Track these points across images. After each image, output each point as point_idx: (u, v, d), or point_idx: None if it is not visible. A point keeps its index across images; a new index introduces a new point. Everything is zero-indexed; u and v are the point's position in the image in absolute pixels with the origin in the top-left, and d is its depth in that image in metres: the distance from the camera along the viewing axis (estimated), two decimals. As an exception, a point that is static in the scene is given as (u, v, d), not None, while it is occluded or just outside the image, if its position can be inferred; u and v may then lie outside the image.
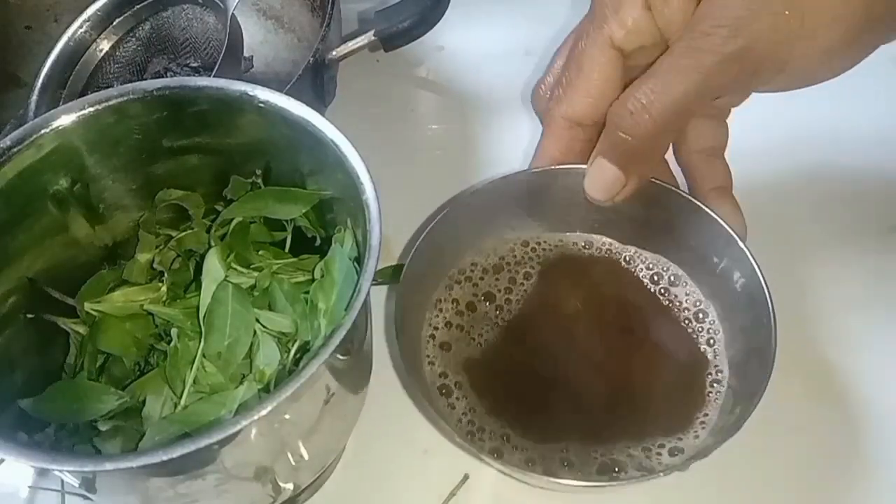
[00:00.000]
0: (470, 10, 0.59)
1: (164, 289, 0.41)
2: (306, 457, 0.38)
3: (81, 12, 0.52)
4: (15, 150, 0.36)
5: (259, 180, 0.41)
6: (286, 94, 0.42)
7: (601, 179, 0.42)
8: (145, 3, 0.53)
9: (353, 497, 0.44)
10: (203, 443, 0.29)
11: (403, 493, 0.44)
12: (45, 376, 0.40)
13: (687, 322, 0.45)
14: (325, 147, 0.36)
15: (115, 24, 0.52)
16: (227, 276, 0.38)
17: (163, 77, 0.53)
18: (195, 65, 0.53)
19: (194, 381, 0.37)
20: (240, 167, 0.42)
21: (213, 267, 0.39)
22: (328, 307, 0.36)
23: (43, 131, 0.37)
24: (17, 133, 0.37)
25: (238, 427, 0.29)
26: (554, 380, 0.43)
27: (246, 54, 0.59)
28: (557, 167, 0.45)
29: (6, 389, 0.37)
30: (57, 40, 0.52)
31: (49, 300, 0.41)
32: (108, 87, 0.52)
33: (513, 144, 0.58)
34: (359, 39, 0.52)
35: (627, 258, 0.47)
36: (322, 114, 0.37)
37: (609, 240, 0.48)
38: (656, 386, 0.43)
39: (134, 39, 0.54)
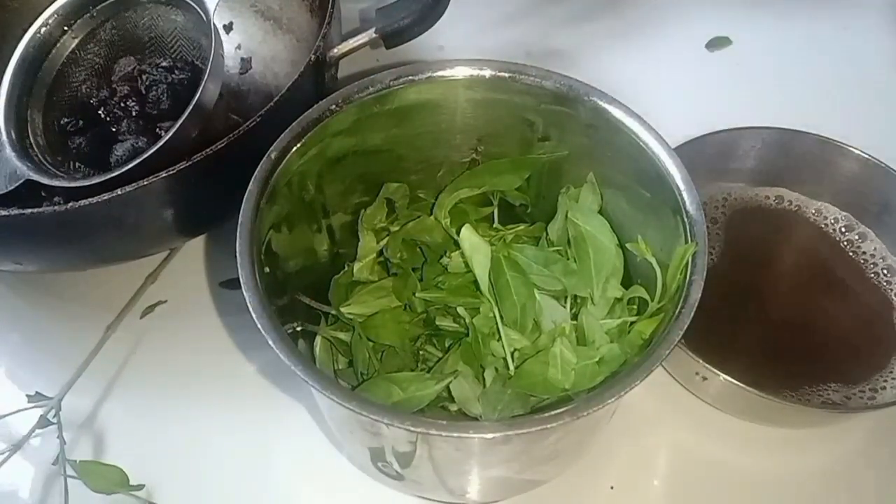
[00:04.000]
0: (470, 9, 0.59)
1: (412, 277, 0.42)
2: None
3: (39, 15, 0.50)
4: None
5: (478, 157, 0.43)
6: (286, 92, 0.42)
7: None
8: (105, 3, 0.52)
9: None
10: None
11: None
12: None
13: (875, 275, 0.48)
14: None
15: (74, 26, 0.51)
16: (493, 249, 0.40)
17: (138, 78, 0.51)
18: (166, 64, 0.52)
19: (503, 349, 0.39)
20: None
21: (475, 242, 0.40)
22: (605, 262, 0.39)
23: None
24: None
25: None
26: (761, 325, 0.47)
27: (245, 55, 0.59)
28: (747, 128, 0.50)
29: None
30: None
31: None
32: (74, 92, 0.51)
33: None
34: (360, 37, 0.51)
35: (815, 211, 0.51)
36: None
37: (796, 194, 0.51)
38: (854, 331, 0.47)
39: (95, 41, 0.51)
